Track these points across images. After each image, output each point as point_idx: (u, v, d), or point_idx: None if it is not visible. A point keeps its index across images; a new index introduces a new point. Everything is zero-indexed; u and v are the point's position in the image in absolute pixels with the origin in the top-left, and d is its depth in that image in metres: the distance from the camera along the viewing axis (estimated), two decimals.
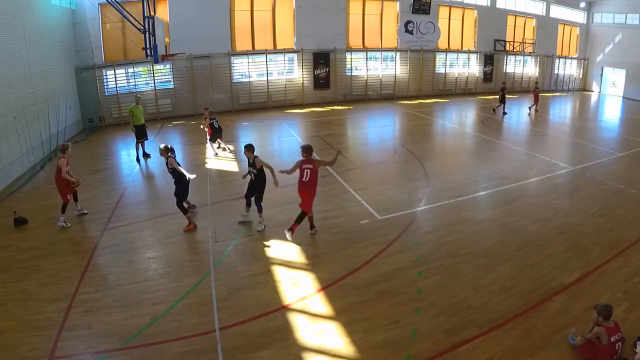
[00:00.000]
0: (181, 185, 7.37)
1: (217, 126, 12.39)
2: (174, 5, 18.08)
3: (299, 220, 6.93)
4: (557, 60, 30.25)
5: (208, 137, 12.64)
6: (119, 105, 17.55)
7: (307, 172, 6.84)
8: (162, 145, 7.40)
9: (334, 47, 21.72)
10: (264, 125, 17.36)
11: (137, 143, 12.02)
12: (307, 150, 7.01)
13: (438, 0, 24.04)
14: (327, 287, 5.68)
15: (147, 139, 12.33)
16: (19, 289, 5.67)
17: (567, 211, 8.24)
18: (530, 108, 20.31)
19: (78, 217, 8.10)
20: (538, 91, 20.41)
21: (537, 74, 29.54)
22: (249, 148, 7.36)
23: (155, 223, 7.83)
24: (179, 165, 7.38)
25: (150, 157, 12.34)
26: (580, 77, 31.61)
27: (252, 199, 7.55)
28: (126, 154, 13.80)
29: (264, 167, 7.31)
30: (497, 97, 20.05)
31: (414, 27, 23.57)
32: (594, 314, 4.37)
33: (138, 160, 11.94)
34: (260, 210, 7.45)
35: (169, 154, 7.29)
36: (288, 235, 6.87)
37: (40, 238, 7.22)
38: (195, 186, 9.78)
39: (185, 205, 7.71)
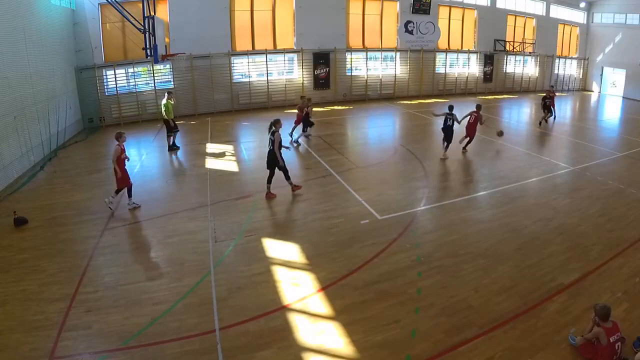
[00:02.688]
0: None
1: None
2: (174, 5, 18.07)
3: (466, 145, 12.43)
4: (557, 60, 30.24)
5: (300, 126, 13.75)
6: (119, 105, 17.54)
7: (473, 116, 12.17)
8: (274, 120, 8.65)
9: (334, 47, 21.71)
10: (264, 126, 17.28)
11: (170, 135, 12.83)
12: (479, 107, 12.42)
13: (438, 0, 24.02)
14: (327, 287, 5.68)
15: (178, 130, 13.18)
16: (19, 289, 5.67)
17: (567, 211, 8.24)
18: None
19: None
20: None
21: (537, 74, 29.55)
22: (451, 107, 11.97)
23: (155, 223, 7.83)
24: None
25: (179, 148, 13.16)
26: (580, 77, 31.59)
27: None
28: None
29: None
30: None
31: (414, 27, 23.56)
32: (593, 314, 4.37)
33: (171, 148, 12.92)
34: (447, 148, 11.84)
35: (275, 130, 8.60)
36: (444, 155, 11.78)
37: (40, 238, 7.21)
38: (195, 186, 9.83)
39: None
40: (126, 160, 8.37)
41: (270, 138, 8.61)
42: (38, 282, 5.84)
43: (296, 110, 14.18)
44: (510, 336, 4.68)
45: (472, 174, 10.98)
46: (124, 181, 8.24)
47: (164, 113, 12.54)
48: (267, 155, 8.72)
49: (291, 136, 13.82)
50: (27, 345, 4.60)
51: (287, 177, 8.93)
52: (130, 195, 8.44)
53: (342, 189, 9.41)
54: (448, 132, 11.77)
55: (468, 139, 12.32)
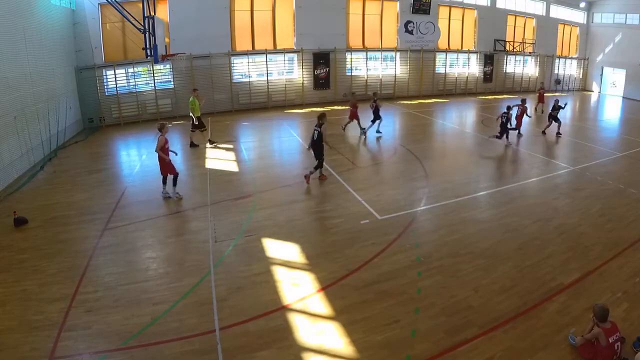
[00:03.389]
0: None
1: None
2: (174, 5, 18.08)
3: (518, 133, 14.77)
4: (557, 60, 30.25)
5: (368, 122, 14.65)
6: (119, 105, 17.55)
7: (520, 109, 14.44)
8: (321, 114, 9.63)
9: (334, 47, 21.72)
10: (264, 125, 17.35)
11: (193, 131, 13.17)
12: (524, 101, 14.69)
13: (438, 0, 24.03)
14: (327, 287, 5.68)
15: (205, 129, 13.55)
16: (19, 289, 5.67)
17: (567, 211, 8.24)
18: (536, 109, 20.21)
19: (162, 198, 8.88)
20: (543, 91, 20.35)
21: (537, 74, 29.54)
22: (509, 108, 13.25)
23: (155, 223, 7.83)
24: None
25: (198, 146, 13.30)
26: (580, 77, 31.61)
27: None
28: (126, 154, 13.84)
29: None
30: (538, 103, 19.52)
31: (414, 27, 23.57)
32: (593, 315, 4.37)
33: (193, 145, 13.31)
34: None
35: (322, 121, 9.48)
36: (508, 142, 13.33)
37: (40, 238, 7.22)
38: (195, 186, 9.84)
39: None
40: (169, 151, 8.87)
41: (316, 129, 9.51)
42: (38, 282, 5.84)
43: (349, 107, 15.01)
44: (510, 336, 4.68)
45: (476, 172, 10.98)
46: (168, 169, 8.77)
47: (191, 110, 12.89)
48: (311, 145, 9.75)
49: (364, 131, 14.79)
50: (27, 345, 4.60)
51: (317, 168, 9.77)
52: (175, 184, 8.87)
53: (342, 189, 9.40)
54: (503, 127, 13.05)
55: (517, 128, 14.47)
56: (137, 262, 6.46)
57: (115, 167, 12.11)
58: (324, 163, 9.85)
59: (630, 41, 27.40)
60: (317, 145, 9.56)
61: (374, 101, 14.62)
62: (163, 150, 8.56)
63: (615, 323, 4.34)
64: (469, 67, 26.75)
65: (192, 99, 12.86)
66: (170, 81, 18.90)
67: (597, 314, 4.28)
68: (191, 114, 12.90)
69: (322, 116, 9.52)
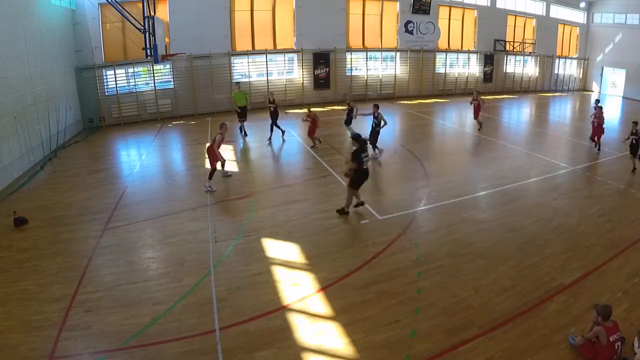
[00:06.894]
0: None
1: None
2: (174, 5, 18.07)
3: None
4: (557, 60, 30.24)
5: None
6: (119, 105, 17.55)
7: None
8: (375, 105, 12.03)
9: (334, 47, 21.71)
10: (264, 125, 17.31)
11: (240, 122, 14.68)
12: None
13: (438, 0, 24.03)
14: (327, 287, 5.68)
15: (245, 120, 14.71)
16: (19, 289, 5.67)
17: (567, 211, 8.24)
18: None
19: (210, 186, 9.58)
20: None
21: (537, 74, 29.54)
22: None
23: (155, 223, 7.82)
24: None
25: (247, 135, 14.81)
26: (580, 77, 31.59)
27: None
28: (126, 154, 13.83)
29: None
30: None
31: (414, 27, 23.57)
32: (594, 314, 4.37)
33: (244, 134, 14.82)
34: None
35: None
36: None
37: (40, 238, 7.21)
38: (195, 186, 9.83)
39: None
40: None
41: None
42: (38, 282, 5.84)
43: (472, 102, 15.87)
44: (510, 336, 4.68)
45: (474, 172, 10.98)
46: (213, 162, 9.53)
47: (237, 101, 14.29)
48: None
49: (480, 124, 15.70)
50: (27, 345, 4.60)
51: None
52: (210, 177, 9.53)
53: (342, 189, 9.37)
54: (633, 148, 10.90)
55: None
56: (137, 262, 6.45)
57: (115, 167, 12.11)
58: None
59: (630, 41, 27.39)
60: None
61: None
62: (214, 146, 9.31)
63: (617, 322, 4.34)
64: (469, 67, 26.73)
65: (236, 92, 14.44)
66: (170, 81, 18.90)
67: (600, 311, 4.28)
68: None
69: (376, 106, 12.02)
